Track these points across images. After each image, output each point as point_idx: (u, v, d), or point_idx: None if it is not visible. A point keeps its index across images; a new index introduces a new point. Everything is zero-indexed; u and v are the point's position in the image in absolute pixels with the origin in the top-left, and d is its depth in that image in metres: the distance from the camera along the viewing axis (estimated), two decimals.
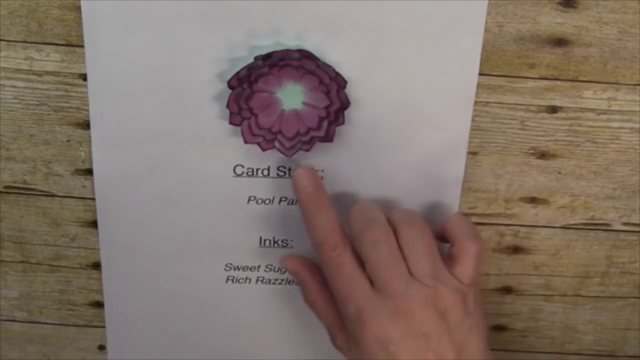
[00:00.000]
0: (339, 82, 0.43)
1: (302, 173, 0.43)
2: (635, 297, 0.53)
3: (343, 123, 0.44)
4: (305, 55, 0.42)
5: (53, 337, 0.55)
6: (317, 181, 0.43)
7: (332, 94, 0.43)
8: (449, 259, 0.43)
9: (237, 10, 0.42)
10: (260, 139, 0.44)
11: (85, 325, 0.54)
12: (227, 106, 0.43)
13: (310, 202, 0.43)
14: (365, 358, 0.41)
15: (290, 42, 0.42)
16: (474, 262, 0.43)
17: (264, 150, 0.44)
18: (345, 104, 0.43)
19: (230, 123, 0.43)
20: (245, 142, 0.44)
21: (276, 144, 0.44)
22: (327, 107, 0.43)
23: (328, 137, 0.44)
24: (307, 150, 0.44)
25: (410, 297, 0.40)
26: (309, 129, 0.44)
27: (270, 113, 0.43)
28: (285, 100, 0.43)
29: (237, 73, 0.42)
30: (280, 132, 0.44)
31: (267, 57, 0.41)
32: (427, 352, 0.40)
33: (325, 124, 0.43)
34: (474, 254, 0.43)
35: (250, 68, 0.42)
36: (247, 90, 0.42)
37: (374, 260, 0.41)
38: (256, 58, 0.41)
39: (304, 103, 0.43)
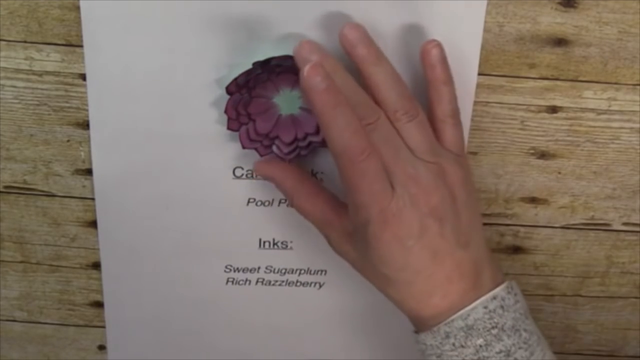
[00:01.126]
0: None
1: (311, 70, 0.36)
2: (635, 297, 0.53)
3: None
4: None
5: (53, 337, 0.55)
6: (329, 77, 0.37)
7: None
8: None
9: (237, 12, 0.42)
10: (258, 145, 0.44)
11: (85, 325, 0.54)
12: (226, 112, 0.43)
13: (325, 103, 0.37)
14: (377, 258, 0.39)
15: (289, 44, 0.42)
16: (458, 128, 0.42)
17: (262, 155, 0.44)
18: None
19: (229, 129, 0.43)
20: (243, 147, 0.44)
21: (274, 149, 0.44)
22: None
23: (325, 143, 0.44)
24: (306, 155, 0.44)
25: (420, 178, 0.38)
26: (306, 134, 0.43)
27: (267, 118, 0.43)
28: (282, 105, 0.43)
29: (236, 79, 0.42)
30: (278, 137, 0.44)
31: (265, 63, 0.41)
32: (441, 240, 0.38)
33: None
34: (456, 120, 0.41)
35: (248, 74, 0.42)
36: (245, 96, 0.42)
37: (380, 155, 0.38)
38: (254, 64, 0.41)
39: (301, 108, 0.43)
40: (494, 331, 0.38)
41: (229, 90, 0.42)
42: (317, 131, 0.43)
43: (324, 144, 0.44)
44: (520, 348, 0.38)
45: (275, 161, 0.44)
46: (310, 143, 0.44)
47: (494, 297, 0.39)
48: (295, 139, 0.44)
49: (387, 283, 0.40)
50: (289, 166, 0.44)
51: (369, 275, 0.41)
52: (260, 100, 0.43)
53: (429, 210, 0.38)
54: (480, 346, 0.38)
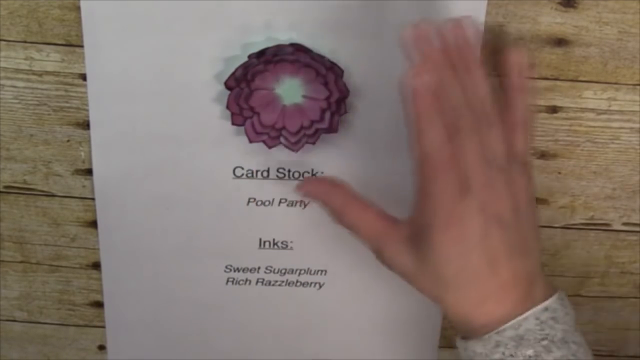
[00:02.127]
0: (336, 71, 0.42)
1: (419, 73, 0.36)
2: (635, 297, 0.53)
3: (346, 112, 0.44)
4: (299, 48, 0.42)
5: (53, 337, 0.55)
6: (432, 83, 0.36)
7: (331, 84, 0.42)
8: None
9: (237, 12, 0.42)
10: (265, 137, 0.44)
11: (85, 325, 0.54)
12: (228, 107, 0.43)
13: (426, 110, 0.37)
14: (436, 259, 0.39)
15: (284, 38, 0.42)
16: (527, 136, 0.41)
17: (270, 147, 0.44)
18: (344, 93, 0.43)
19: (233, 124, 0.43)
20: (250, 141, 0.44)
21: (281, 140, 0.44)
22: (327, 98, 0.43)
23: (332, 128, 0.44)
24: (313, 144, 0.44)
25: (493, 185, 0.38)
26: (312, 122, 0.43)
27: (271, 110, 0.43)
28: (285, 95, 0.43)
29: (233, 73, 0.42)
30: (284, 127, 0.43)
31: (261, 54, 0.41)
32: (500, 247, 0.38)
33: (327, 115, 0.43)
34: (527, 128, 0.41)
35: (245, 67, 0.41)
36: (245, 89, 0.42)
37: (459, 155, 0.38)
38: (250, 56, 0.41)
39: (304, 96, 0.43)
40: (544, 342, 0.38)
41: (227, 84, 0.42)
42: (322, 117, 0.43)
43: (330, 130, 0.44)
44: None
45: (318, 180, 0.44)
46: (316, 130, 0.44)
47: (546, 309, 0.39)
48: (302, 128, 0.43)
49: (441, 288, 0.40)
50: (336, 184, 0.43)
51: (423, 282, 0.41)
52: (262, 92, 0.43)
53: (495, 217, 0.38)
54: (530, 357, 0.38)
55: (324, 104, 0.43)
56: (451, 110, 0.38)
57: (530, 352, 0.38)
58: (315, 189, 0.43)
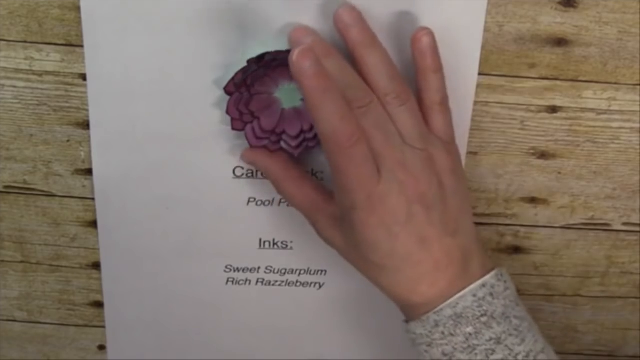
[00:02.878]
0: None
1: (300, 54, 0.35)
2: (635, 297, 0.53)
3: None
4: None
5: (53, 337, 0.55)
6: (318, 61, 0.36)
7: None
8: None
9: (236, 12, 0.42)
10: (266, 142, 0.44)
11: (85, 325, 0.54)
12: (227, 112, 0.43)
13: (314, 88, 0.36)
14: (363, 244, 0.39)
15: (285, 43, 0.42)
16: (447, 116, 0.41)
17: (272, 151, 0.44)
18: None
19: (234, 129, 0.43)
20: (251, 146, 0.44)
21: (282, 144, 0.44)
22: None
23: None
24: (314, 147, 0.44)
25: (409, 164, 0.38)
26: (312, 125, 0.43)
27: (271, 114, 0.43)
28: (284, 99, 0.43)
29: (233, 78, 0.42)
30: (284, 132, 0.44)
31: (260, 59, 0.41)
32: (428, 227, 0.38)
33: None
34: (445, 107, 0.41)
35: (245, 72, 0.41)
36: (245, 94, 0.42)
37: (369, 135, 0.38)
38: (249, 61, 0.41)
39: (303, 100, 0.43)
40: (484, 319, 0.38)
41: (227, 90, 0.42)
42: None
43: None
44: (510, 335, 0.38)
45: (258, 149, 0.44)
46: (316, 134, 0.44)
47: (483, 285, 0.39)
48: (302, 131, 0.43)
49: (374, 270, 0.40)
50: (275, 153, 0.44)
51: (356, 262, 0.41)
52: (261, 96, 0.43)
53: (417, 197, 0.38)
54: (470, 334, 0.38)
55: None
56: (349, 90, 0.38)
57: (469, 329, 0.38)
58: (256, 157, 0.44)
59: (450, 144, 0.41)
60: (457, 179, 0.40)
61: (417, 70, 0.41)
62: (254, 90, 0.42)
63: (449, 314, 0.38)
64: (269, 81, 0.42)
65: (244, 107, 0.43)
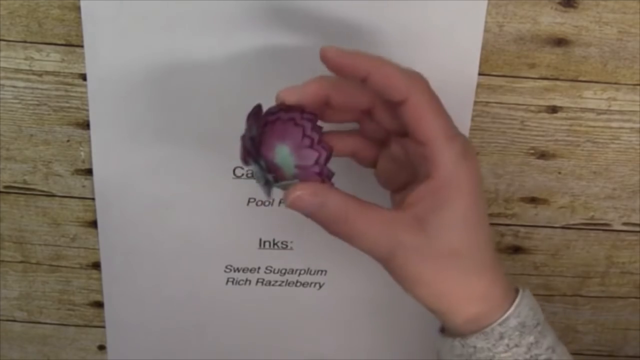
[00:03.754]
0: (317, 130, 0.38)
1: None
2: (635, 297, 0.53)
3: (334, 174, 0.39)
4: (282, 108, 0.38)
5: (53, 337, 0.55)
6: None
7: (316, 145, 0.38)
8: None
9: (236, 12, 0.42)
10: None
11: (85, 325, 0.54)
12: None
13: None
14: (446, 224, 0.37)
15: (287, 44, 0.42)
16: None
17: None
18: (329, 150, 0.38)
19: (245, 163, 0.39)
20: None
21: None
22: (317, 160, 0.38)
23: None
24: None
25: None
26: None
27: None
28: (284, 168, 0.38)
29: (244, 146, 0.37)
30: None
31: (257, 115, 0.38)
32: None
33: (325, 172, 0.38)
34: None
35: (251, 139, 0.38)
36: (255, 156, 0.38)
37: None
38: (249, 123, 0.38)
39: (297, 167, 0.38)
40: (539, 328, 0.38)
41: (244, 160, 0.38)
42: (322, 180, 0.39)
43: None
44: (558, 344, 0.38)
45: (307, 185, 0.37)
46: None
47: (527, 296, 0.38)
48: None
49: (445, 265, 0.37)
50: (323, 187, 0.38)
51: (427, 257, 0.37)
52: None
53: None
54: (532, 344, 0.37)
55: (316, 168, 0.38)
56: None
57: (531, 339, 0.37)
58: (305, 200, 0.37)
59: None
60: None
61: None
62: (261, 152, 0.38)
63: (514, 324, 0.37)
64: (269, 146, 0.38)
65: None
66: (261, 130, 0.38)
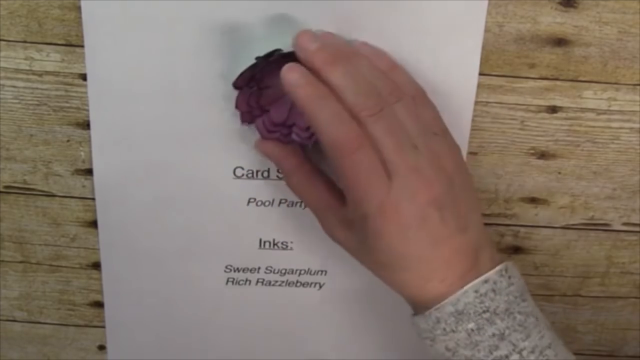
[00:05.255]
0: None
1: (288, 69, 0.38)
2: (635, 297, 0.53)
3: None
4: None
5: (53, 337, 0.55)
6: (307, 73, 0.38)
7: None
8: None
9: (237, 12, 0.42)
10: (277, 134, 0.44)
11: (85, 325, 0.54)
12: (237, 107, 0.43)
13: (307, 97, 0.38)
14: (376, 248, 0.39)
15: (289, 43, 0.42)
16: (425, 100, 0.41)
17: (285, 144, 0.44)
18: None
19: (243, 121, 0.43)
20: (264, 138, 0.44)
21: (294, 136, 0.44)
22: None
23: None
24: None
25: (420, 168, 0.38)
26: None
27: (281, 107, 0.43)
28: None
29: (242, 74, 0.42)
30: (295, 124, 0.43)
31: (269, 55, 0.41)
32: (441, 228, 0.38)
33: None
34: (420, 92, 0.41)
35: (253, 68, 0.42)
36: (254, 88, 0.42)
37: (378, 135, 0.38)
38: (257, 58, 0.41)
39: None
40: (486, 315, 0.38)
41: (236, 84, 0.42)
42: None
43: None
44: (515, 331, 0.38)
45: (276, 142, 0.44)
46: None
47: (486, 281, 0.38)
48: None
49: (384, 270, 0.40)
50: (290, 147, 0.43)
51: (365, 261, 0.41)
52: (270, 90, 0.43)
53: (430, 200, 0.38)
54: (472, 330, 0.38)
55: None
56: (357, 97, 0.38)
57: (471, 325, 0.38)
58: (269, 148, 0.44)
59: (443, 135, 0.41)
60: (463, 174, 0.40)
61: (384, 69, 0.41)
62: (263, 84, 0.42)
63: (449, 310, 0.38)
64: (278, 75, 0.42)
65: (253, 101, 0.43)
66: (272, 65, 0.41)
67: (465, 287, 0.38)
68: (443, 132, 0.41)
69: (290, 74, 0.38)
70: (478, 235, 0.40)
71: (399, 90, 0.40)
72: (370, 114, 0.38)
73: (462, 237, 0.39)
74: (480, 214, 0.41)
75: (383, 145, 0.38)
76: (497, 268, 0.39)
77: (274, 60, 0.41)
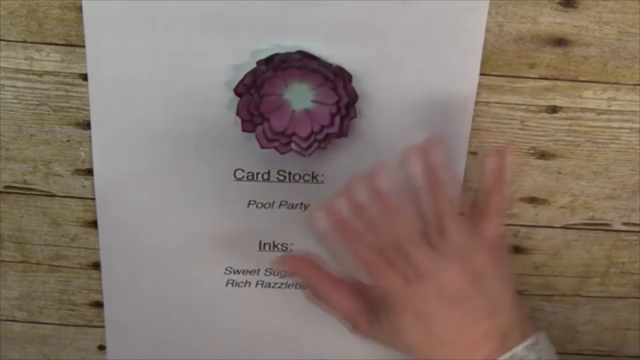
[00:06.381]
0: (344, 76, 0.43)
1: (314, 220, 0.41)
2: (635, 297, 0.53)
3: (355, 116, 0.44)
4: (306, 55, 0.42)
5: (53, 337, 0.55)
6: (331, 218, 0.41)
7: (340, 89, 0.43)
8: (473, 210, 0.42)
9: (239, 13, 0.42)
10: (276, 144, 0.44)
11: (85, 325, 0.54)
12: (238, 114, 0.43)
13: (343, 242, 0.41)
14: (399, 332, 0.41)
15: (291, 44, 0.42)
16: (499, 219, 0.42)
17: (282, 153, 0.44)
18: (353, 97, 0.43)
19: (244, 130, 0.43)
20: (262, 147, 0.44)
21: (293, 146, 0.44)
22: (336, 103, 0.43)
23: (342, 132, 0.44)
24: (325, 148, 0.44)
25: (441, 268, 0.40)
26: (322, 127, 0.43)
27: (281, 115, 0.43)
28: (294, 101, 0.43)
29: (242, 80, 0.42)
30: (294, 133, 0.44)
31: (269, 60, 0.41)
32: (463, 316, 0.40)
33: (337, 119, 0.43)
34: (500, 211, 0.42)
35: (254, 73, 0.42)
36: (255, 95, 0.42)
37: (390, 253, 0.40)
38: (258, 62, 0.41)
39: (314, 101, 0.43)
40: None
41: (237, 91, 0.42)
42: (332, 122, 0.43)
43: (340, 134, 0.44)
44: None
45: (295, 258, 0.44)
46: (327, 135, 0.44)
47: (513, 356, 0.39)
48: (312, 133, 0.43)
49: (410, 352, 0.41)
50: (309, 261, 0.44)
51: (392, 345, 0.43)
52: (271, 98, 0.43)
53: (450, 297, 0.39)
54: None
55: (334, 109, 0.43)
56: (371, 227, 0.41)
57: None
58: (296, 267, 0.44)
59: (493, 244, 0.42)
60: (495, 269, 0.41)
61: (482, 182, 0.42)
62: (263, 91, 0.42)
63: None
64: (279, 82, 0.42)
65: (254, 108, 0.43)
66: (273, 71, 0.42)
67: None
68: (491, 240, 0.42)
69: (316, 224, 0.41)
70: (507, 318, 0.41)
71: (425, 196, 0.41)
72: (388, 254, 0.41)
73: (488, 322, 0.40)
74: (512, 299, 0.41)
75: (407, 252, 0.40)
76: (526, 343, 0.40)
77: (274, 66, 0.41)
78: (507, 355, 0.39)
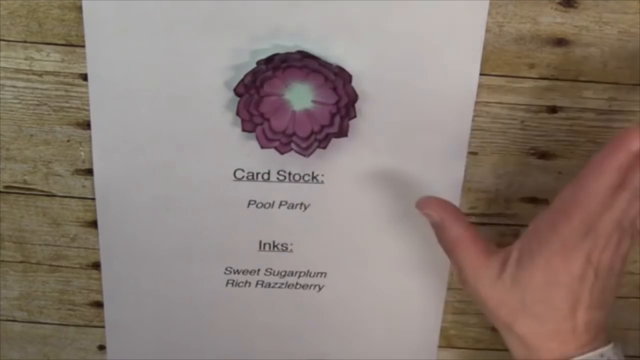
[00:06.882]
0: (344, 76, 0.43)
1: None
2: (635, 297, 0.53)
3: (355, 116, 0.44)
4: (306, 55, 0.42)
5: (53, 337, 0.55)
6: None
7: (340, 89, 0.43)
8: None
9: (238, 13, 0.42)
10: (276, 143, 0.44)
11: (85, 325, 0.54)
12: (238, 114, 0.43)
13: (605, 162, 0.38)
14: (521, 284, 0.40)
15: (291, 44, 0.42)
16: None
17: (282, 153, 0.44)
18: (353, 97, 0.43)
19: (244, 130, 0.44)
20: (262, 147, 0.44)
21: (293, 146, 0.44)
22: (336, 103, 0.43)
23: (342, 132, 0.44)
24: (324, 148, 0.44)
25: (608, 238, 0.39)
26: (322, 127, 0.44)
27: (281, 116, 0.43)
28: (294, 101, 0.43)
29: (242, 80, 0.42)
30: (294, 133, 0.44)
31: (269, 60, 0.41)
32: (587, 293, 0.39)
33: (337, 119, 0.44)
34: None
35: (254, 73, 0.42)
36: (254, 95, 0.43)
37: None
38: (258, 62, 0.41)
39: (313, 101, 0.43)
40: None
41: (237, 91, 0.42)
42: (332, 122, 0.44)
43: (340, 134, 0.44)
44: None
45: (441, 202, 0.43)
46: (327, 135, 0.44)
47: (602, 355, 0.40)
48: (312, 133, 0.44)
49: (519, 312, 0.40)
50: (448, 204, 0.42)
51: (499, 304, 0.41)
52: (271, 98, 0.43)
53: (595, 266, 0.39)
54: None
55: (334, 109, 0.43)
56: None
57: None
58: (433, 206, 0.42)
59: (634, 234, 0.41)
60: (623, 262, 0.41)
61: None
62: (263, 92, 0.42)
63: None
64: (279, 82, 0.42)
65: (254, 108, 0.43)
66: (273, 71, 0.42)
67: (589, 354, 0.39)
68: (635, 234, 0.41)
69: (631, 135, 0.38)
70: (605, 318, 0.41)
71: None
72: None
73: (596, 312, 0.40)
74: (613, 303, 0.42)
75: (606, 215, 0.39)
76: (612, 345, 0.41)
77: (274, 66, 0.41)
78: (598, 351, 0.40)
